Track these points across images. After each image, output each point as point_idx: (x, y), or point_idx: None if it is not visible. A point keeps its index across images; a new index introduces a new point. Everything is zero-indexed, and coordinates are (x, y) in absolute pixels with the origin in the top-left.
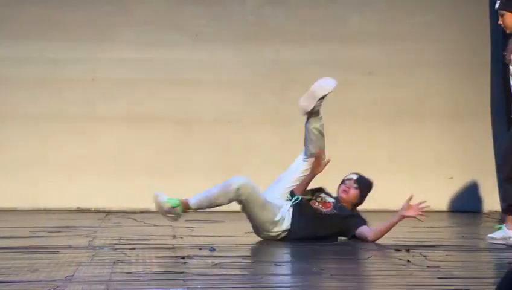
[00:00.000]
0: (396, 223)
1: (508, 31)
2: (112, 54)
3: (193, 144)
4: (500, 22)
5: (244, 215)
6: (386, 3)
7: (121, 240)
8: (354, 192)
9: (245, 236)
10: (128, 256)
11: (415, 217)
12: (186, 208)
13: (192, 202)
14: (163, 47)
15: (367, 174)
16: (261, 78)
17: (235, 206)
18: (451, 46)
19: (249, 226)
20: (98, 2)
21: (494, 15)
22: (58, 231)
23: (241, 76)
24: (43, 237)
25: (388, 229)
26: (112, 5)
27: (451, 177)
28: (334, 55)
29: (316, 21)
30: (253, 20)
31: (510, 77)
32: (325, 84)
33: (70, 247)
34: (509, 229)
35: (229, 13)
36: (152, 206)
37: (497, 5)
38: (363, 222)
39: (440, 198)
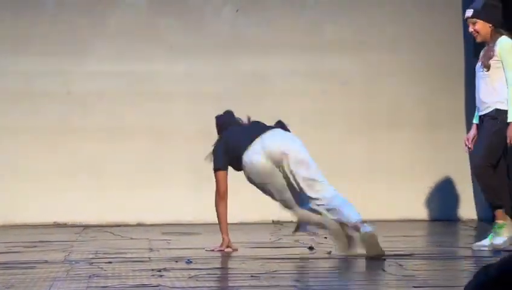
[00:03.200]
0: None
1: (478, 40)
2: (87, 66)
3: (170, 156)
4: (471, 29)
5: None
6: (361, 12)
7: (97, 254)
8: None
9: None
10: (105, 270)
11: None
12: None
13: None
14: (138, 59)
15: (343, 185)
16: (237, 89)
17: (211, 219)
18: (426, 55)
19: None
20: (73, 15)
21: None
22: (34, 246)
23: (217, 87)
24: (19, 252)
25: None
26: (87, 18)
27: (428, 187)
28: (309, 65)
29: (291, 31)
30: (227, 31)
31: (482, 80)
32: None
33: (46, 262)
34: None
35: (204, 24)
36: (128, 220)
37: (469, 13)
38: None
39: (416, 207)
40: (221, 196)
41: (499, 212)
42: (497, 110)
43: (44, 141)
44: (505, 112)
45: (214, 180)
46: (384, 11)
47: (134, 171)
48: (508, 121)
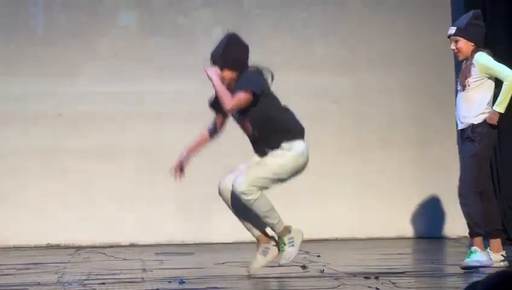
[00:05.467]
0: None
1: (460, 58)
2: (78, 88)
3: (162, 176)
4: (453, 47)
5: (214, 247)
6: (351, 31)
7: (90, 276)
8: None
9: (215, 268)
10: None
11: None
12: None
13: None
14: (129, 80)
15: (335, 203)
16: None
17: (204, 238)
18: (416, 73)
19: (218, 258)
20: (63, 37)
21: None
22: (27, 268)
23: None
24: (11, 274)
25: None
26: (77, 39)
27: (420, 204)
28: (299, 84)
29: (281, 50)
30: None
31: (460, 98)
32: None
33: (39, 284)
34: (491, 251)
35: (195, 44)
36: (122, 241)
37: (452, 31)
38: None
39: (408, 225)
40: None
41: (477, 240)
42: (473, 126)
43: (36, 163)
44: (481, 126)
45: (202, 199)
46: (374, 29)
47: (126, 191)
48: (494, 108)
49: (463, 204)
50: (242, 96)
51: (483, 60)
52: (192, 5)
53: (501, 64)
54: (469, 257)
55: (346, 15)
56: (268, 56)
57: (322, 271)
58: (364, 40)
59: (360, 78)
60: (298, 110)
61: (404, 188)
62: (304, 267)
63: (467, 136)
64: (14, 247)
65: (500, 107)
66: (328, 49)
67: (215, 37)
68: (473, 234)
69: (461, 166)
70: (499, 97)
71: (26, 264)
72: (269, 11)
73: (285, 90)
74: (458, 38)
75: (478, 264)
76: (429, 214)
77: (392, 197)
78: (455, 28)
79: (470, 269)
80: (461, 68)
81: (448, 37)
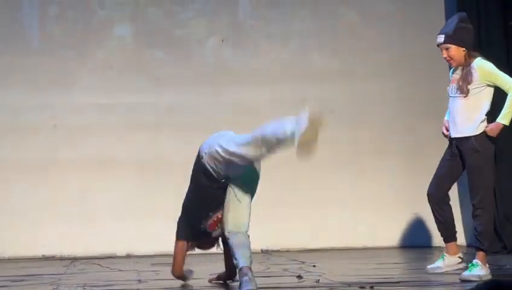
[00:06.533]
0: None
1: (453, 65)
2: (73, 99)
3: (158, 187)
4: (445, 55)
5: (208, 257)
6: (346, 41)
7: (85, 287)
8: None
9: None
10: None
11: None
12: None
13: None
14: (125, 92)
15: (329, 213)
16: (224, 119)
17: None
18: (411, 83)
19: (213, 269)
20: (59, 48)
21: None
22: (22, 280)
23: (204, 118)
24: (6, 286)
25: None
26: (73, 51)
27: (415, 213)
28: (295, 94)
29: (276, 61)
30: (213, 61)
31: (458, 104)
32: None
33: None
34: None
35: (190, 55)
36: (117, 251)
37: (441, 39)
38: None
39: (403, 234)
40: None
41: (481, 253)
42: (475, 138)
43: (32, 175)
44: (482, 135)
45: None
46: (369, 40)
47: (122, 202)
48: (498, 120)
49: (478, 216)
50: (176, 249)
51: (486, 66)
52: (187, 17)
53: (503, 73)
54: (470, 270)
55: (341, 26)
56: (264, 66)
57: (318, 281)
58: (359, 51)
59: (356, 88)
60: None
61: (399, 197)
62: (299, 277)
63: (471, 147)
64: (9, 258)
65: (506, 120)
66: (323, 59)
67: (210, 48)
68: (480, 248)
69: (471, 177)
70: (503, 109)
71: (22, 276)
72: (264, 22)
73: (281, 100)
74: (448, 45)
75: (477, 278)
76: (424, 224)
77: (388, 207)
78: (443, 35)
79: (468, 282)
80: (455, 74)
81: (438, 45)
